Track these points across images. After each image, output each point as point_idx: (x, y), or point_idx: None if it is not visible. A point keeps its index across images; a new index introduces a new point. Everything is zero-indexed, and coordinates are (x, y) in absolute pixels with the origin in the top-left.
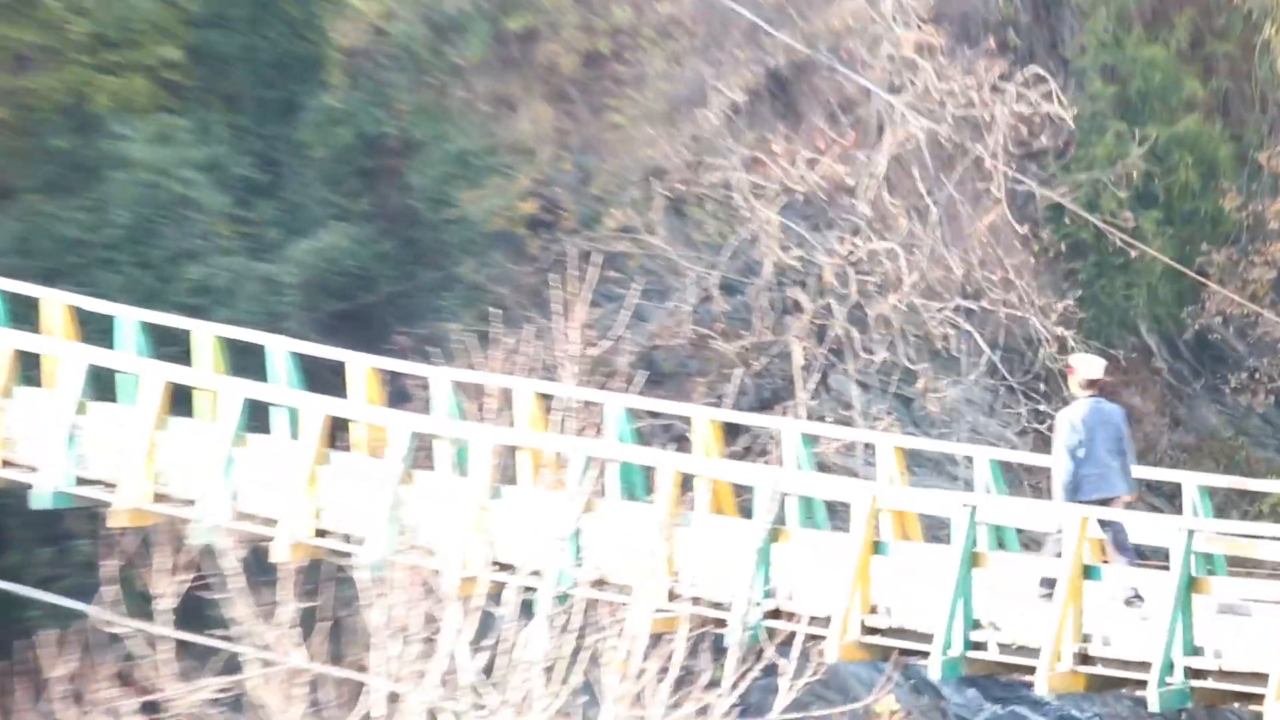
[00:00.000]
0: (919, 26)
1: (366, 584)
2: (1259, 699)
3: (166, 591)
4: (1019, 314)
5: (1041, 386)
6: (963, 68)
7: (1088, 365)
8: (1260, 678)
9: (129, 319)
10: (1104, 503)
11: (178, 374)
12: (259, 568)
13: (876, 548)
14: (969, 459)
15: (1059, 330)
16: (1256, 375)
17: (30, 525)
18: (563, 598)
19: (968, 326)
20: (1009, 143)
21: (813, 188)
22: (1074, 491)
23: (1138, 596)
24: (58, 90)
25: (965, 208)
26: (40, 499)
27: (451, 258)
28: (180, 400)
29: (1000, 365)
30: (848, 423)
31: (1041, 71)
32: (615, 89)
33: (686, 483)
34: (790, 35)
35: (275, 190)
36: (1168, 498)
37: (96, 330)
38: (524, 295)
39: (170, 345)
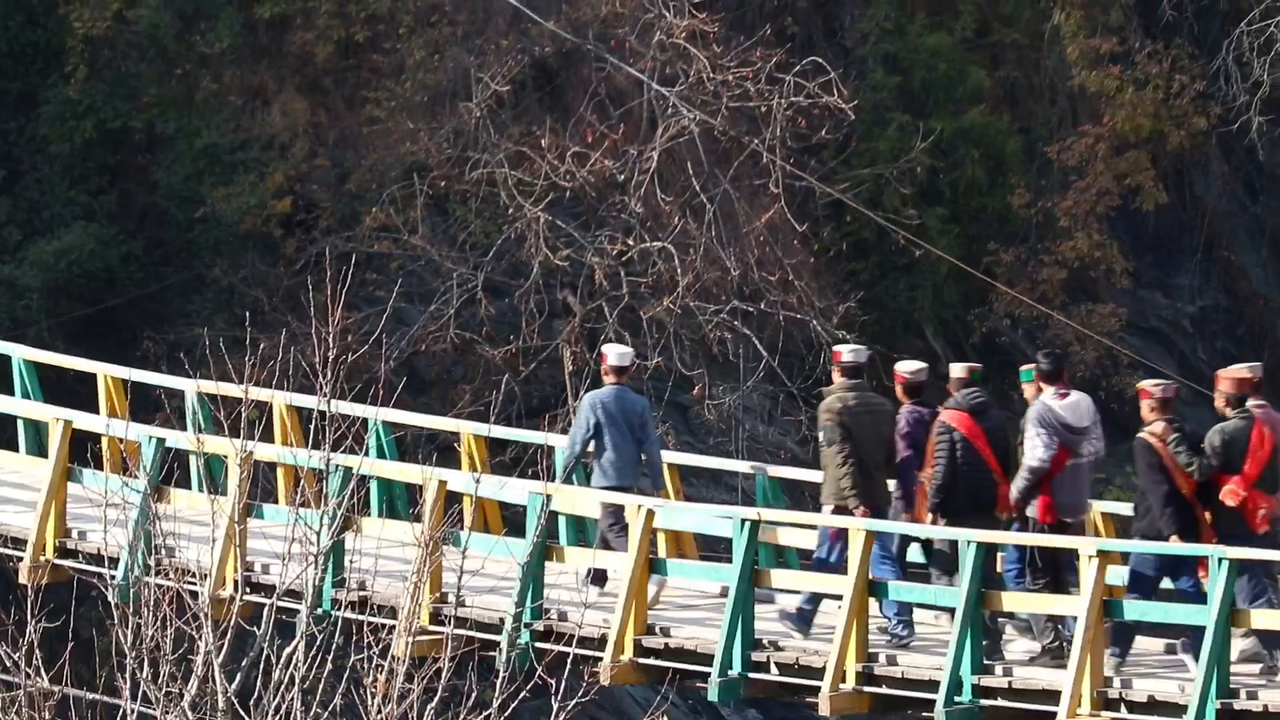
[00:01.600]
0: (691, 13)
1: (117, 603)
2: (1051, 717)
3: None
4: (799, 316)
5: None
6: (738, 57)
7: (615, 354)
8: (1052, 694)
9: None
10: (623, 490)
11: None
12: (4, 586)
13: (652, 566)
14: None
15: (840, 333)
16: None
17: None
18: (321, 618)
19: (745, 330)
20: (787, 136)
21: (581, 184)
22: (597, 474)
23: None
24: None
25: (742, 205)
26: None
27: (202, 259)
28: None
29: (779, 370)
30: None
31: (820, 61)
32: (373, 80)
33: (452, 496)
34: (556, 23)
35: (13, 188)
36: None
37: None
38: (279, 298)
39: None
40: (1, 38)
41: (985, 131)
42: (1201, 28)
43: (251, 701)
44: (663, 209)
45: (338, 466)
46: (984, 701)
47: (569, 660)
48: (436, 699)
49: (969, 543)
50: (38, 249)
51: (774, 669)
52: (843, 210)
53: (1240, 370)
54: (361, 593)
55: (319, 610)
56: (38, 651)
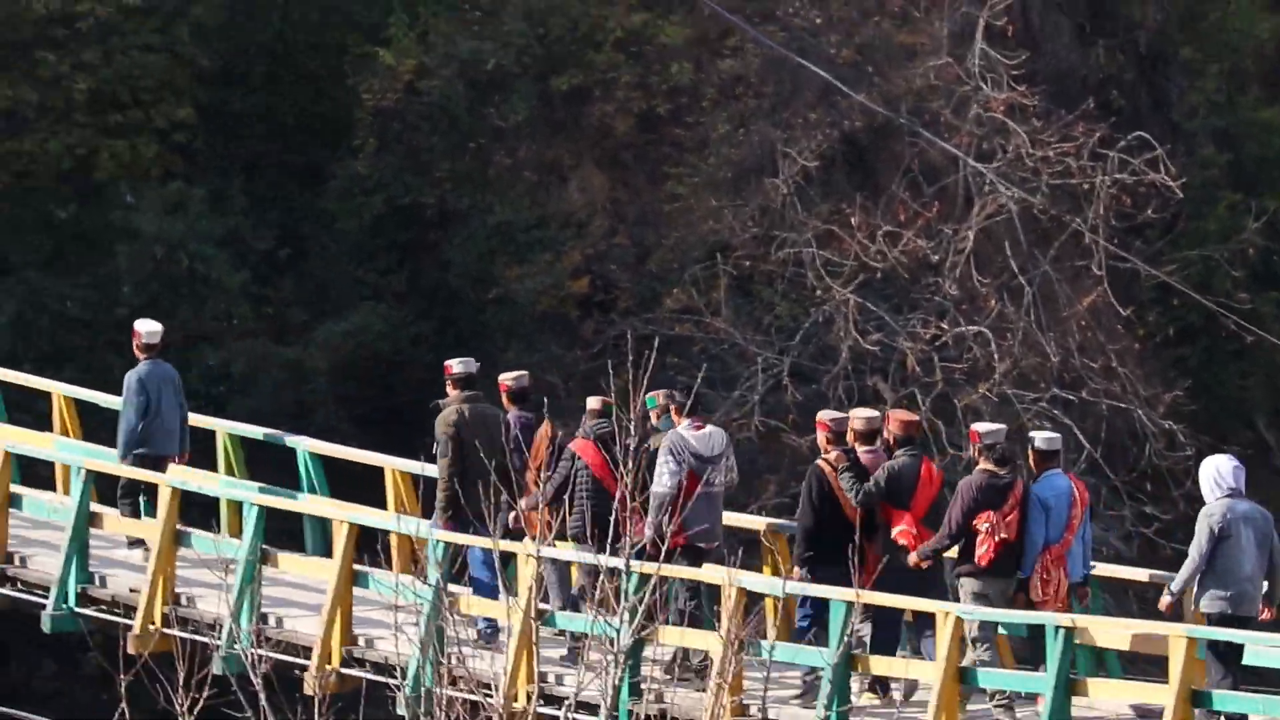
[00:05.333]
0: (1010, 86)
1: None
2: None
3: (187, 712)
4: (1122, 405)
5: (1148, 486)
6: (1059, 132)
7: (147, 328)
8: None
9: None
10: (161, 459)
11: (192, 482)
12: (291, 684)
13: (963, 676)
14: None
15: (1167, 424)
16: None
17: (35, 638)
18: None
19: (1066, 419)
20: (1111, 215)
21: (893, 265)
22: (139, 445)
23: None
24: (58, 155)
25: (1062, 287)
26: (50, 623)
27: (495, 341)
28: (204, 506)
29: (1102, 462)
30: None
31: (1147, 136)
32: (674, 155)
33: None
34: (867, 96)
35: (299, 266)
36: None
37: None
38: (576, 383)
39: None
40: (288, 110)
41: None
42: None
43: None
44: (979, 291)
45: (636, 569)
46: None
47: None
48: None
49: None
50: (324, 330)
51: None
52: (1169, 293)
53: (906, 413)
54: (660, 704)
55: None
56: None
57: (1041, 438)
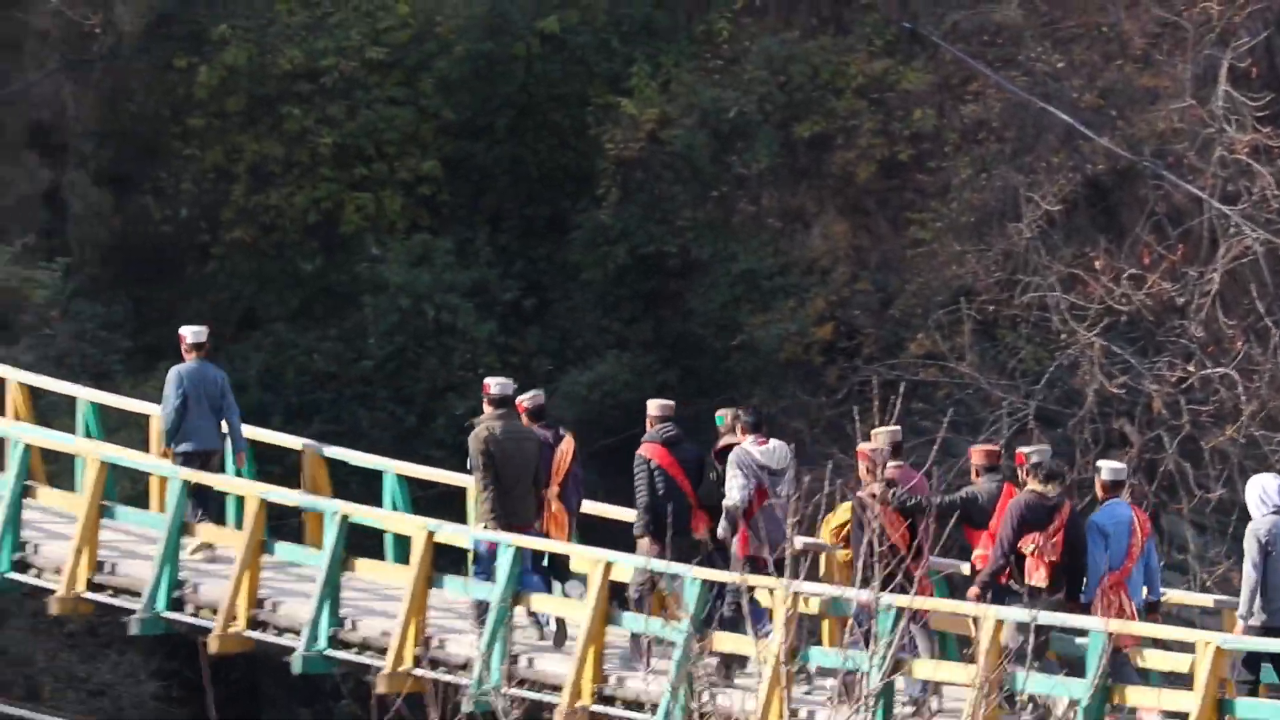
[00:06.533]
0: (1255, 128)
1: None
2: None
3: None
4: None
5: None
6: None
7: (191, 330)
8: None
9: (388, 470)
10: (206, 454)
11: (445, 534)
12: None
13: (1221, 707)
14: None
15: None
16: None
17: (288, 683)
18: None
19: None
20: None
21: (1138, 308)
22: (179, 438)
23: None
24: (304, 208)
25: None
26: (301, 664)
27: (739, 389)
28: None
29: None
30: (1181, 568)
31: None
32: (917, 200)
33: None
34: (1111, 139)
35: (543, 316)
36: None
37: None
38: (821, 429)
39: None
40: (532, 161)
41: None
42: None
43: None
44: (1225, 333)
45: (889, 606)
46: None
47: None
48: None
49: None
50: (569, 380)
51: None
52: None
53: (988, 445)
54: None
55: None
56: None
57: (1108, 468)
